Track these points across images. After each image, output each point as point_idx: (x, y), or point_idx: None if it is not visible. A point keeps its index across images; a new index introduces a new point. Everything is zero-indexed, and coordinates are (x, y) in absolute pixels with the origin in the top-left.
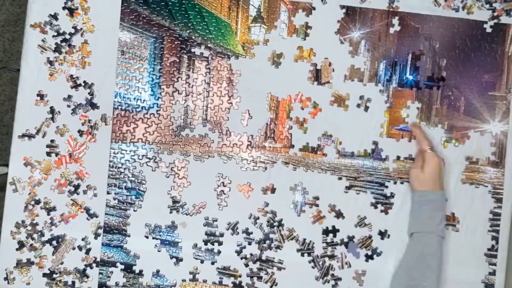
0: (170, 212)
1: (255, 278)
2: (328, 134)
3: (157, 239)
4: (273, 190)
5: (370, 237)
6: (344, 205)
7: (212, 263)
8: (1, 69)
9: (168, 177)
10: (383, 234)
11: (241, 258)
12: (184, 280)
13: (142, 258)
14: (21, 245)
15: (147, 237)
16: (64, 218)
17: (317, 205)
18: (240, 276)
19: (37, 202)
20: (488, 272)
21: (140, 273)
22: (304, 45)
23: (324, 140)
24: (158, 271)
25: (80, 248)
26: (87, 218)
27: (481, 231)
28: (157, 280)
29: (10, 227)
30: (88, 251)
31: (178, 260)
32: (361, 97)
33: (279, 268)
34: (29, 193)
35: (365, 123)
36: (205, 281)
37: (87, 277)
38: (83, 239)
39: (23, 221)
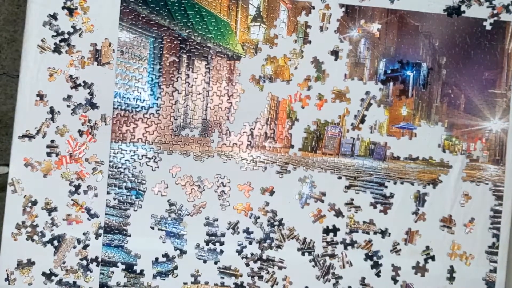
0: (170, 213)
1: (256, 278)
2: (335, 122)
3: (162, 230)
4: (271, 193)
5: (370, 240)
6: (343, 204)
7: (215, 263)
8: (1, 75)
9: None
10: (383, 233)
11: (242, 258)
12: (185, 283)
13: (145, 249)
14: (22, 245)
15: (152, 227)
16: (68, 219)
17: (322, 201)
18: (241, 276)
19: (34, 203)
20: (489, 270)
21: (141, 273)
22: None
23: (332, 129)
24: (157, 259)
25: (79, 242)
26: (88, 219)
27: (482, 228)
28: (158, 267)
29: (11, 228)
30: (85, 246)
31: (182, 252)
32: (367, 93)
33: (280, 267)
34: (24, 196)
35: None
36: (206, 283)
37: (88, 276)
38: (84, 234)
39: (23, 222)
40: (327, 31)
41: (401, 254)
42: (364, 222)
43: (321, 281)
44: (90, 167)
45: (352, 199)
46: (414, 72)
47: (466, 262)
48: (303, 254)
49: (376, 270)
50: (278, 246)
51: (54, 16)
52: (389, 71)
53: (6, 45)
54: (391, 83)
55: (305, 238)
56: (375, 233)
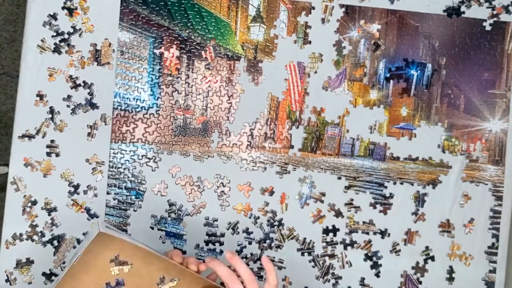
0: (170, 213)
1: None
2: (335, 122)
3: (162, 230)
4: (271, 193)
5: (370, 241)
6: (343, 204)
7: None
8: (1, 75)
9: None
10: (383, 234)
11: (242, 258)
12: None
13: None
14: (21, 246)
15: (152, 228)
16: None
17: (322, 201)
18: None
19: (34, 203)
20: (489, 270)
21: None
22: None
23: (331, 129)
24: None
25: (79, 242)
26: (87, 219)
27: (481, 228)
28: None
29: (11, 228)
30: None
31: (182, 252)
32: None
33: (280, 268)
34: (24, 196)
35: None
36: None
37: None
38: (84, 234)
39: (23, 222)
40: (327, 31)
41: (401, 255)
42: (364, 222)
43: (320, 281)
44: (90, 167)
45: (352, 199)
46: (419, 71)
47: (465, 262)
48: (302, 254)
49: (375, 270)
50: (278, 246)
51: (54, 16)
52: (393, 69)
53: (6, 45)
54: (391, 84)
55: (304, 239)
56: (374, 233)
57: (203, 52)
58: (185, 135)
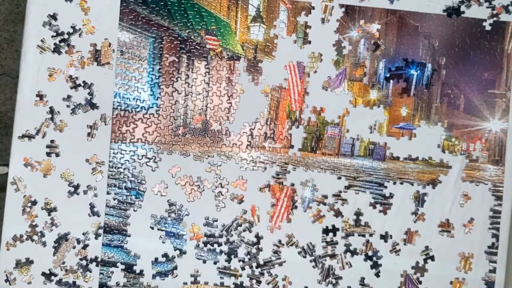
0: (170, 213)
1: (254, 280)
2: (335, 122)
3: (162, 230)
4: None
5: (368, 241)
6: (343, 204)
7: (215, 263)
8: (1, 75)
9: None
10: (385, 238)
11: (239, 261)
12: (185, 283)
13: (145, 249)
14: (21, 246)
15: (152, 228)
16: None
17: (324, 204)
18: (240, 276)
19: (34, 203)
20: (489, 270)
21: (141, 273)
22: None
23: (332, 129)
24: (156, 259)
25: (79, 242)
26: (88, 214)
27: (481, 228)
28: (158, 267)
29: (11, 228)
30: (85, 246)
31: (182, 252)
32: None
33: (281, 264)
34: (24, 196)
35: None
36: (206, 283)
37: (88, 276)
38: (83, 234)
39: (23, 222)
40: (327, 31)
41: (401, 254)
42: (360, 225)
43: (320, 282)
44: (90, 167)
45: (340, 191)
46: (418, 71)
47: (465, 262)
48: (304, 256)
49: (375, 270)
50: (276, 252)
51: (53, 16)
52: (393, 69)
53: (6, 45)
54: (391, 84)
55: (303, 247)
56: (371, 235)
57: (207, 43)
58: (185, 135)
